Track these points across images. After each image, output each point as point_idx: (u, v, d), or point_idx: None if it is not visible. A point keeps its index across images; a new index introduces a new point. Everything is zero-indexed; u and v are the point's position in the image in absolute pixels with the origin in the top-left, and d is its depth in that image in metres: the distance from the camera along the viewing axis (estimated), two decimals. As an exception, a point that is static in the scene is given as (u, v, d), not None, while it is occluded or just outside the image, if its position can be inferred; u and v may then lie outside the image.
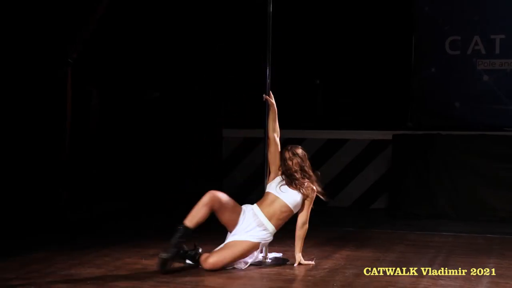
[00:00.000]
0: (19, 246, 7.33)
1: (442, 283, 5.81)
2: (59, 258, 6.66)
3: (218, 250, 6.12)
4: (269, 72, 6.68)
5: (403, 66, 11.63)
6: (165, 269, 5.92)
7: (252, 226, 6.15)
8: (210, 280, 5.78)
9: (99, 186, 11.21)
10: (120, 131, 11.93)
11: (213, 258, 5.99)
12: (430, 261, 6.77)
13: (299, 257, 6.47)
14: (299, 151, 6.47)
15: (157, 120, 12.51)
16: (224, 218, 6.15)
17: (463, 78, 11.18)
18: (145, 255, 6.85)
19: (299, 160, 6.41)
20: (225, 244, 6.13)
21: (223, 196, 6.12)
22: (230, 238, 6.19)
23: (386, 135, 10.93)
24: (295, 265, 6.40)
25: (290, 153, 6.42)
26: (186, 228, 5.96)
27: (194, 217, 5.98)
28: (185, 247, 6.06)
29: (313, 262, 6.53)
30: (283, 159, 6.42)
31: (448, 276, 6.07)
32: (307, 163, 6.47)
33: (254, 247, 6.17)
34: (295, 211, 6.36)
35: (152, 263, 6.46)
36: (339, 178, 11.25)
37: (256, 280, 5.91)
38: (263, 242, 6.21)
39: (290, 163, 6.38)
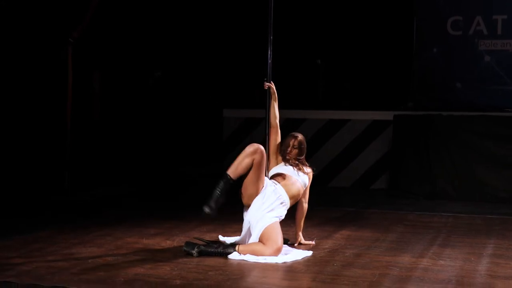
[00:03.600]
0: (21, 225, 7.36)
1: (442, 264, 5.83)
2: (61, 237, 6.69)
3: (266, 237, 5.90)
4: (270, 53, 6.66)
5: (405, 47, 11.61)
6: (209, 219, 5.92)
7: (274, 204, 6.08)
8: (210, 260, 5.80)
9: (101, 168, 11.24)
10: (121, 112, 11.94)
11: (276, 245, 5.84)
12: (429, 242, 6.79)
13: (299, 236, 6.50)
14: (303, 140, 6.47)
15: (158, 101, 12.52)
16: (253, 177, 5.99)
17: (465, 59, 11.15)
18: (145, 235, 6.87)
19: (302, 150, 6.42)
20: (263, 232, 5.93)
21: (264, 152, 6.06)
22: (251, 214, 6.01)
23: (387, 115, 10.93)
24: (295, 244, 6.42)
25: (295, 141, 6.42)
26: (229, 179, 5.90)
27: (237, 168, 5.92)
28: (212, 247, 6.01)
29: (313, 242, 6.57)
30: (286, 145, 6.41)
31: (448, 257, 6.09)
32: (304, 153, 6.50)
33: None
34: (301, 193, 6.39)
35: (152, 243, 6.49)
36: (340, 158, 11.26)
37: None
38: (280, 219, 6.17)
39: (292, 151, 6.39)
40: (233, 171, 5.92)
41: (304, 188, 6.35)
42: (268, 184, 6.12)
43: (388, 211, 8.95)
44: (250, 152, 5.93)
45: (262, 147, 6.00)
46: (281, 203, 6.11)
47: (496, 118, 10.28)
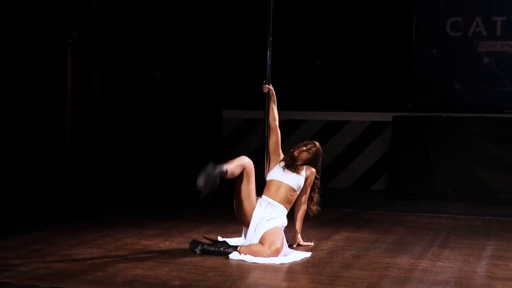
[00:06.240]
0: (21, 225, 7.37)
1: (441, 265, 5.84)
2: (60, 237, 6.69)
3: (266, 239, 5.91)
4: (269, 54, 6.67)
5: (404, 48, 11.62)
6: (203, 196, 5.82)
7: (274, 214, 6.10)
8: (210, 261, 5.81)
9: (101, 168, 11.25)
10: (121, 112, 11.95)
11: (274, 247, 5.85)
12: (428, 243, 6.80)
13: (298, 238, 6.50)
14: (317, 150, 6.46)
15: (157, 101, 12.52)
16: (246, 191, 6.02)
17: (464, 60, 11.16)
18: (145, 236, 6.87)
19: (310, 157, 6.41)
20: (264, 234, 5.95)
21: (253, 167, 6.07)
22: (253, 225, 6.06)
23: (386, 116, 10.93)
24: (294, 246, 6.43)
25: (312, 147, 6.43)
26: (224, 173, 5.83)
27: (232, 169, 5.89)
28: (214, 246, 6.06)
29: (312, 244, 6.56)
30: (300, 145, 6.42)
31: (447, 258, 6.10)
32: (318, 165, 6.48)
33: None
34: (298, 192, 6.37)
35: (151, 244, 6.50)
36: (339, 159, 11.26)
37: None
38: (283, 226, 6.21)
39: (302, 153, 6.38)
40: (230, 169, 5.87)
41: (297, 189, 6.32)
42: (260, 201, 6.15)
43: (388, 212, 8.94)
44: (242, 163, 5.97)
45: (251, 162, 6.03)
46: (279, 211, 6.15)
47: (495, 119, 10.29)
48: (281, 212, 6.18)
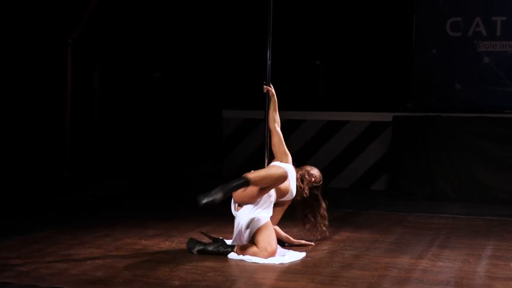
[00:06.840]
0: (21, 225, 7.37)
1: (441, 265, 5.84)
2: (61, 237, 6.69)
3: (260, 239, 5.86)
4: (269, 54, 6.67)
5: (404, 48, 11.62)
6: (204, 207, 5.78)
7: (265, 205, 6.03)
8: (209, 261, 5.81)
9: (101, 168, 11.25)
10: (121, 112, 11.96)
11: (270, 248, 5.81)
12: (428, 243, 6.79)
13: (293, 242, 6.49)
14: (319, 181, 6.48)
15: (157, 101, 12.53)
16: (259, 191, 5.94)
17: (464, 60, 11.16)
18: (145, 236, 6.87)
19: (310, 186, 6.41)
20: (256, 235, 5.88)
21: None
22: (242, 216, 6.00)
23: (387, 116, 10.92)
24: (287, 244, 6.41)
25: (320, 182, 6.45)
26: (247, 182, 5.77)
27: (261, 181, 5.81)
28: (212, 246, 6.05)
29: (312, 243, 6.55)
30: (312, 175, 6.43)
31: (447, 258, 6.10)
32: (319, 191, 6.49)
33: None
34: (281, 198, 6.28)
35: (151, 244, 6.50)
36: (339, 159, 11.25)
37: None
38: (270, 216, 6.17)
39: (305, 189, 6.38)
40: (256, 181, 5.82)
41: (286, 198, 6.28)
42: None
43: (388, 212, 8.93)
44: (282, 177, 5.92)
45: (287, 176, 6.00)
46: (271, 202, 6.12)
47: (495, 119, 10.28)
48: (271, 203, 6.11)
